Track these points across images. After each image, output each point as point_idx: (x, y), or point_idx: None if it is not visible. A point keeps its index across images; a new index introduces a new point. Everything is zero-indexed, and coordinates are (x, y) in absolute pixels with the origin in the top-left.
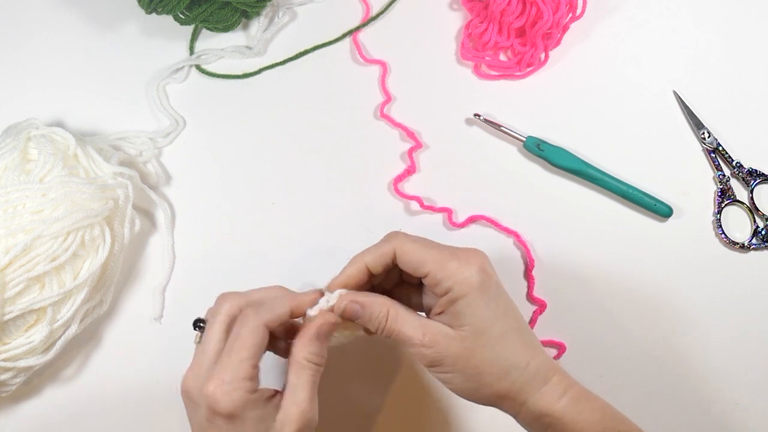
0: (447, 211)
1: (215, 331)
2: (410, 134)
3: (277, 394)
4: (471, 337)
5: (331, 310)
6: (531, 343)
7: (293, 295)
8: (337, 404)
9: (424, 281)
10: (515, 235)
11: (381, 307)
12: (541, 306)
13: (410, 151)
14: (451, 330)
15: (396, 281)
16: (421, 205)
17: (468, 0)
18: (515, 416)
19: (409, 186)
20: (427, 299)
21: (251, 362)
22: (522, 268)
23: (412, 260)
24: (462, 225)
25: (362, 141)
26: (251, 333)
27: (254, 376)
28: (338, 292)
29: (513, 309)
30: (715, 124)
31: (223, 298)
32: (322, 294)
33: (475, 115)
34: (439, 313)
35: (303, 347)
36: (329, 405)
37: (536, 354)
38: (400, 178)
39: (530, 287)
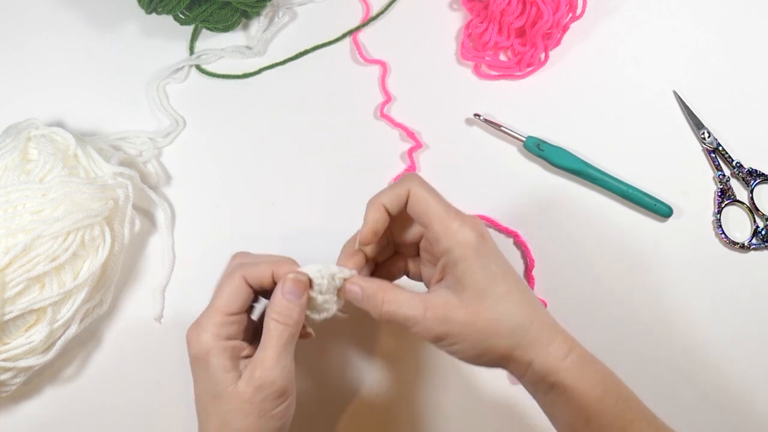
0: None
1: (217, 286)
2: (410, 134)
3: (253, 352)
4: (473, 300)
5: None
6: (533, 303)
7: (283, 260)
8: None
9: (425, 234)
10: (515, 235)
11: (377, 292)
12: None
13: (410, 151)
14: (453, 297)
15: (391, 253)
16: None
17: (468, 0)
18: (521, 378)
19: None
20: (425, 270)
21: (224, 310)
22: (522, 268)
23: (421, 207)
24: None
25: (362, 141)
26: (230, 284)
27: (228, 323)
28: (322, 265)
29: (512, 271)
30: (715, 124)
31: (233, 257)
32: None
33: (475, 115)
34: (439, 281)
35: (270, 306)
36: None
37: (539, 313)
38: (399, 177)
39: (530, 287)
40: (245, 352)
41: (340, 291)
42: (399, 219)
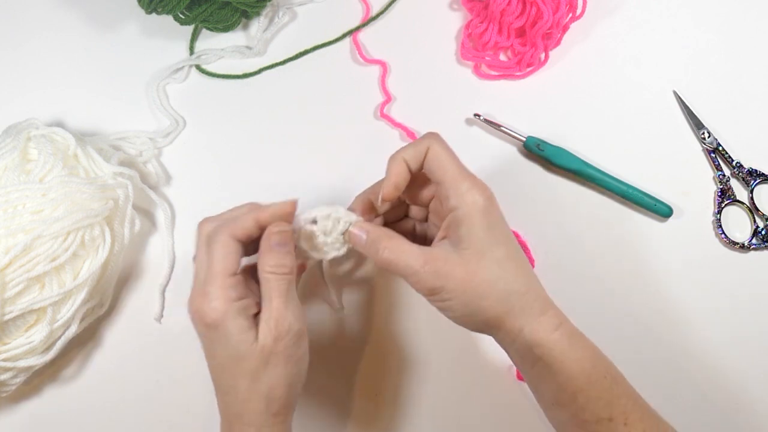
0: None
1: (200, 252)
2: (410, 134)
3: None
4: (473, 259)
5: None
6: (529, 273)
7: (259, 207)
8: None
9: (437, 192)
10: (515, 235)
11: (380, 238)
12: None
13: None
14: (453, 253)
15: (401, 216)
16: None
17: (468, 0)
18: (509, 347)
19: None
20: (430, 233)
21: (227, 272)
22: None
23: (437, 164)
24: None
25: (362, 141)
26: (222, 246)
27: (233, 285)
28: (330, 208)
29: (513, 240)
30: (715, 124)
31: (200, 224)
32: (292, 205)
33: (475, 115)
34: (443, 239)
35: (262, 261)
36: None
37: (534, 284)
38: None
39: None
40: (254, 310)
41: (345, 236)
42: (415, 179)
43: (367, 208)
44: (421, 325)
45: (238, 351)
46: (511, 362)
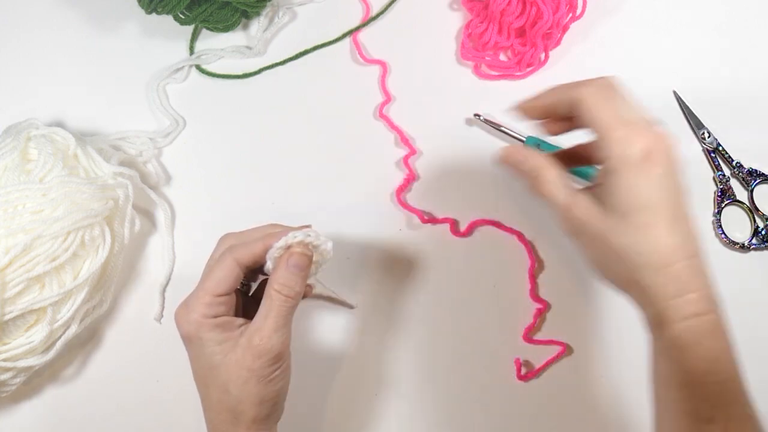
0: (449, 222)
1: (207, 267)
2: (404, 139)
3: (246, 323)
4: (612, 219)
5: (301, 242)
6: (681, 242)
7: (272, 232)
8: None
9: (594, 141)
10: (517, 235)
11: (541, 168)
12: (543, 306)
13: (405, 158)
14: (595, 206)
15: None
16: (422, 219)
17: (468, 0)
18: (640, 311)
19: (410, 187)
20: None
21: (214, 291)
22: (525, 268)
23: (591, 114)
24: (464, 234)
25: (362, 141)
26: (223, 268)
27: (216, 304)
28: (306, 231)
29: (674, 198)
30: (715, 124)
31: (221, 238)
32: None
33: (475, 115)
34: (597, 185)
35: (275, 275)
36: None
37: (680, 259)
38: (402, 188)
39: (532, 287)
40: (237, 323)
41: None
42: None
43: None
44: (424, 323)
45: (212, 361)
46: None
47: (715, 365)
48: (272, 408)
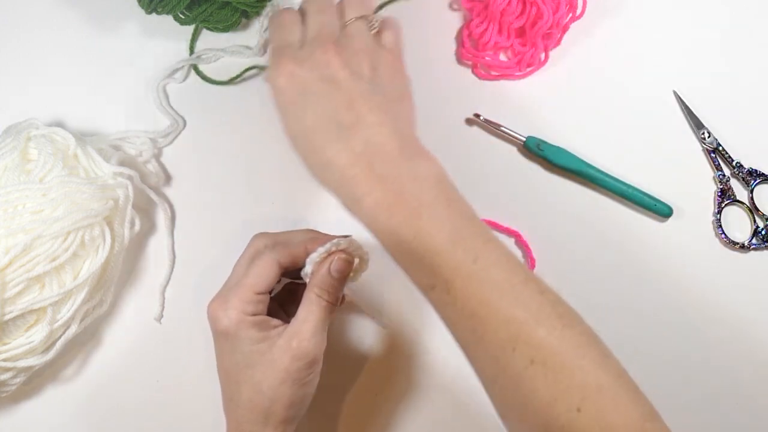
0: None
1: (240, 264)
2: None
3: (281, 324)
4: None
5: (343, 251)
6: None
7: (315, 236)
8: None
9: None
10: (516, 235)
11: None
12: None
13: None
14: None
15: None
16: None
17: (468, 0)
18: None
19: None
20: None
21: (254, 289)
22: None
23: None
24: None
25: None
26: (263, 266)
27: (255, 302)
28: (349, 239)
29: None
30: (715, 124)
31: (255, 237)
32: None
33: (475, 115)
34: None
35: (316, 279)
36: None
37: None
38: None
39: None
40: (273, 323)
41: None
42: None
43: None
44: (424, 322)
45: (248, 360)
46: None
47: (415, 241)
48: (299, 410)
